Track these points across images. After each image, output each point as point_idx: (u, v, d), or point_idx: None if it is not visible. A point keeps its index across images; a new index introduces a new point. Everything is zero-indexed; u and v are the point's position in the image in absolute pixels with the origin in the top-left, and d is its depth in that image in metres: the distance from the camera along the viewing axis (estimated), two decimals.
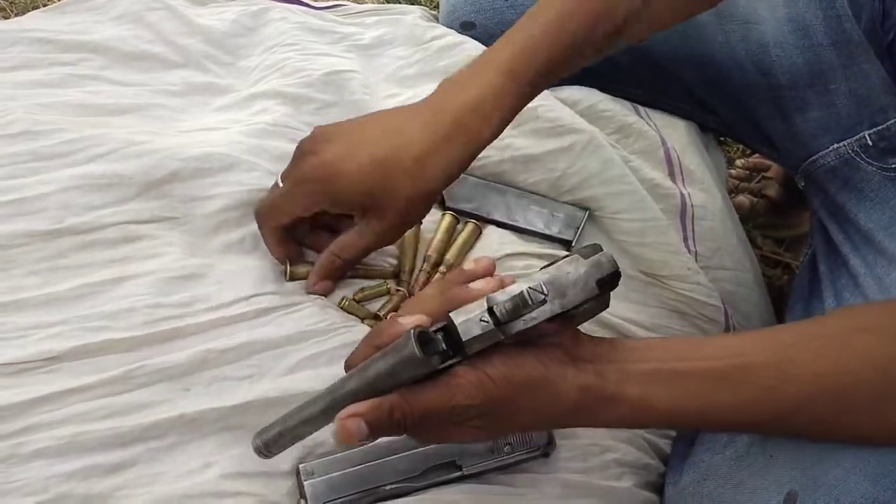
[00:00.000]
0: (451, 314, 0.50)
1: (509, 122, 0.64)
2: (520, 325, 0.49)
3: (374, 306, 0.70)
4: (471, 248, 0.75)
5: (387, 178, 0.63)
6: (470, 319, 0.49)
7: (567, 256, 0.52)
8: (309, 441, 0.61)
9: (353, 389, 0.51)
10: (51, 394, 0.58)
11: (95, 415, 0.58)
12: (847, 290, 0.73)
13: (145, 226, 0.66)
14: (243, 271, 0.66)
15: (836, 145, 0.78)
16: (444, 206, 0.76)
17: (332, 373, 0.62)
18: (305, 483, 0.59)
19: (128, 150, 0.67)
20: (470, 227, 0.75)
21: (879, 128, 0.76)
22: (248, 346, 0.62)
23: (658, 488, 0.69)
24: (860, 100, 0.77)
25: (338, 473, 0.60)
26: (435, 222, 0.75)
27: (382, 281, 0.71)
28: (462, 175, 0.77)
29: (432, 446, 0.62)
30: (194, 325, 0.62)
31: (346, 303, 0.69)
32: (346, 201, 0.64)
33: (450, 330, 0.50)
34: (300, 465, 0.60)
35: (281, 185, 0.65)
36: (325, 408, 0.51)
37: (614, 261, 0.51)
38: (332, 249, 0.66)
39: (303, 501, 0.59)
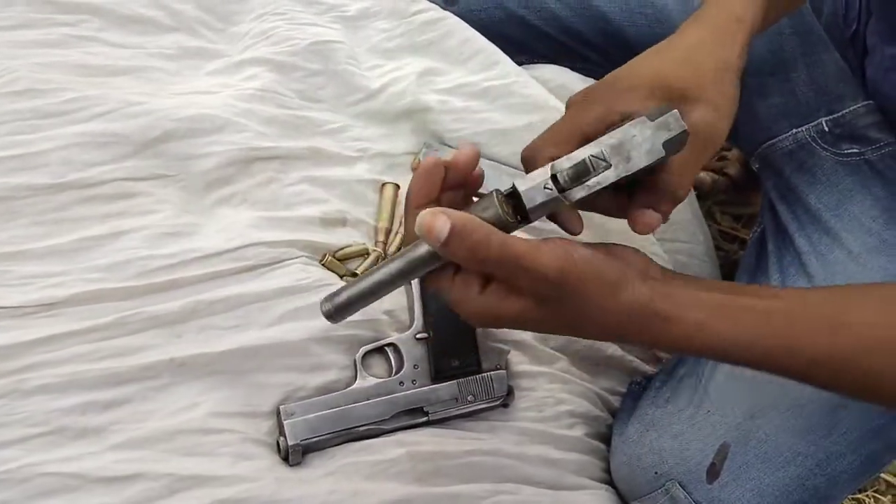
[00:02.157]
0: (515, 182, 0.50)
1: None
2: (583, 191, 0.49)
3: (353, 265, 0.75)
4: None
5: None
6: (534, 187, 0.49)
7: (635, 119, 0.51)
8: (289, 385, 0.67)
9: (431, 251, 0.49)
10: (51, 335, 0.63)
11: (93, 356, 0.63)
12: (792, 266, 0.79)
13: (141, 183, 0.70)
14: (233, 227, 0.71)
15: (794, 130, 0.82)
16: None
17: (314, 325, 0.68)
18: (285, 422, 0.64)
19: (126, 110, 0.71)
20: None
21: (836, 115, 0.81)
22: (236, 299, 0.67)
23: (606, 438, 0.76)
24: (819, 88, 0.81)
25: (315, 415, 0.66)
26: None
27: (362, 242, 0.76)
28: (438, 145, 0.83)
29: (402, 394, 0.68)
30: (185, 277, 0.67)
31: (329, 259, 0.74)
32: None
33: (516, 196, 0.50)
34: (280, 406, 0.65)
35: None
36: (401, 270, 0.50)
37: (681, 120, 0.50)
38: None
39: (282, 439, 0.64)
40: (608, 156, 0.49)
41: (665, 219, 0.59)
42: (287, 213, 0.74)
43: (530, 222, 0.51)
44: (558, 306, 0.51)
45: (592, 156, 0.49)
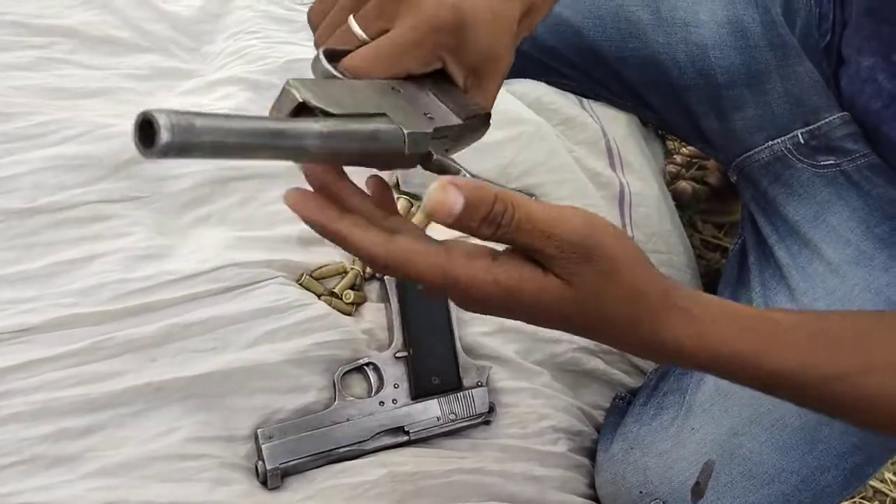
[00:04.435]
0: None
1: None
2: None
3: (330, 283, 0.74)
4: (423, 230, 0.80)
5: (500, 33, 0.51)
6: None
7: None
8: (267, 408, 0.66)
9: (326, 129, 0.40)
10: (24, 362, 0.62)
11: (66, 382, 0.62)
12: (774, 279, 0.79)
13: (114, 205, 0.70)
14: (208, 248, 0.70)
15: (770, 142, 0.82)
16: (399, 191, 0.81)
17: (291, 346, 0.67)
18: (263, 446, 0.64)
19: (97, 132, 0.71)
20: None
21: (811, 127, 0.80)
22: (212, 321, 0.67)
23: (590, 453, 0.75)
24: (794, 100, 0.81)
25: (294, 437, 0.65)
26: None
27: (339, 260, 0.76)
28: None
29: (383, 414, 0.68)
30: (160, 300, 0.66)
31: (306, 279, 0.73)
32: (471, 57, 0.51)
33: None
34: (258, 430, 0.64)
35: (360, 32, 0.49)
36: (275, 130, 0.39)
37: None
38: None
39: (260, 463, 0.64)
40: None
41: None
42: (264, 233, 0.73)
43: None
44: (583, 282, 0.44)
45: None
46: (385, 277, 0.75)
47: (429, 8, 0.48)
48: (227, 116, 0.37)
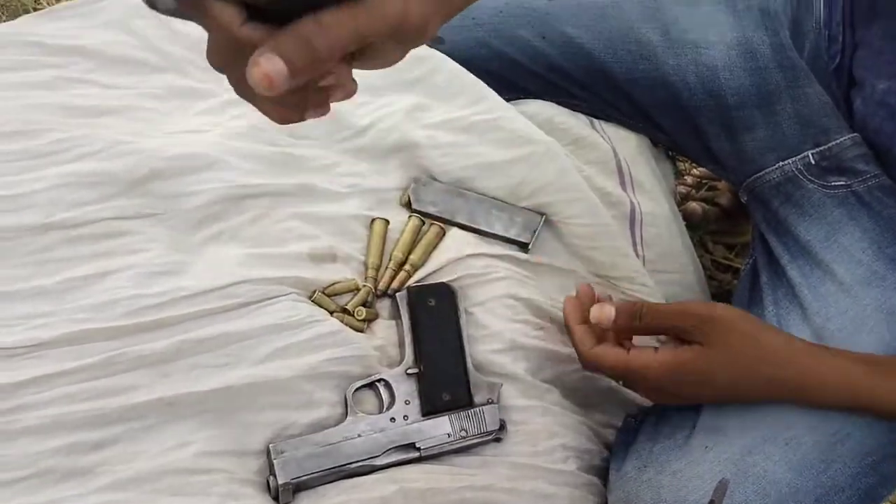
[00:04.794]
0: None
1: None
2: None
3: (342, 300, 0.75)
4: (434, 248, 0.80)
5: None
6: None
7: None
8: (279, 423, 0.66)
9: None
10: (38, 377, 0.62)
11: (79, 397, 0.63)
12: (786, 299, 0.79)
13: (129, 221, 0.71)
14: (221, 264, 0.71)
15: (780, 163, 0.83)
16: (410, 209, 0.81)
17: (304, 362, 0.68)
18: (275, 461, 0.64)
19: (114, 149, 0.71)
20: (434, 228, 0.81)
21: (822, 148, 0.81)
22: (225, 337, 0.67)
23: (600, 472, 0.75)
24: (804, 121, 0.82)
25: (306, 452, 0.65)
26: (402, 223, 0.80)
27: (351, 277, 0.76)
28: (427, 179, 0.83)
29: (394, 430, 0.68)
30: (173, 316, 0.67)
31: (318, 295, 0.74)
32: None
33: None
34: (270, 445, 0.65)
35: None
36: None
37: None
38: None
39: (272, 478, 0.64)
40: None
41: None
42: (277, 250, 0.74)
43: None
44: (721, 341, 0.66)
45: None
46: (397, 294, 0.76)
47: None
48: None
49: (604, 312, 0.70)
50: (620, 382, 0.73)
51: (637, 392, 0.73)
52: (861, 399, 0.68)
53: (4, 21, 0.95)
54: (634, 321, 0.69)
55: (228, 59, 0.41)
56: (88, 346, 0.64)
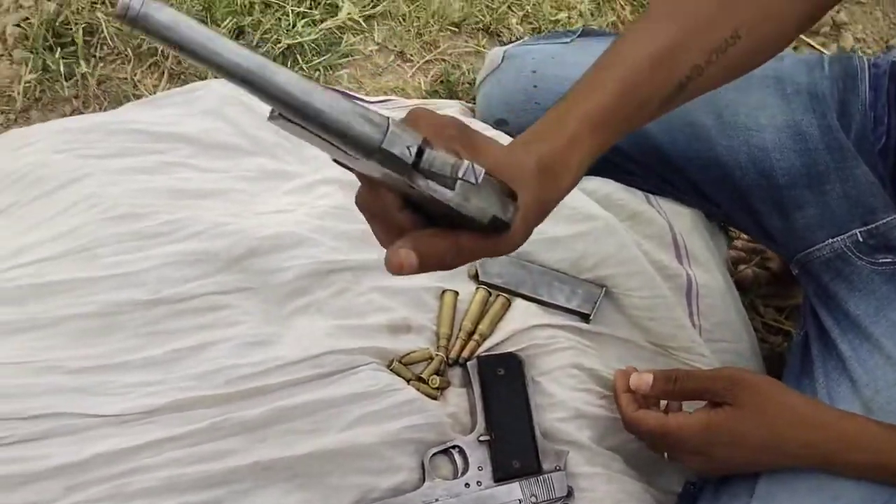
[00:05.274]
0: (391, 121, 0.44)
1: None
2: (421, 181, 0.45)
3: (417, 369, 0.80)
4: (500, 318, 0.86)
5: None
6: (402, 138, 0.43)
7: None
8: (363, 487, 0.71)
9: (287, 85, 0.40)
10: (150, 442, 0.69)
11: (186, 460, 0.69)
12: (836, 371, 0.82)
13: (227, 296, 0.77)
14: (310, 335, 0.77)
15: (830, 240, 0.87)
16: (478, 281, 0.87)
17: (384, 429, 0.73)
18: None
19: (214, 230, 0.79)
20: (500, 300, 0.86)
21: (870, 227, 0.85)
22: (314, 404, 0.73)
23: None
24: (852, 200, 0.86)
25: None
26: (470, 294, 0.86)
27: (426, 347, 0.82)
28: None
29: (468, 495, 0.72)
30: (269, 385, 0.73)
31: (395, 365, 0.79)
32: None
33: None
34: None
35: None
36: (247, 68, 0.39)
37: (513, 213, 0.49)
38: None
39: None
40: (458, 184, 0.45)
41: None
42: (358, 322, 0.80)
43: (379, 160, 0.44)
44: (751, 403, 0.71)
45: (456, 171, 0.45)
46: (468, 363, 0.81)
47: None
48: (196, 26, 0.38)
49: (642, 378, 0.77)
50: (665, 456, 0.77)
51: (678, 459, 0.77)
52: (892, 464, 0.70)
53: (108, 108, 1.05)
54: (669, 385, 0.76)
55: (374, 209, 0.52)
56: (194, 412, 0.71)
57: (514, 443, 0.76)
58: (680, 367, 0.85)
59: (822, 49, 1.59)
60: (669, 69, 0.62)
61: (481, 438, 0.76)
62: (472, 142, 0.51)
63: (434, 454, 0.74)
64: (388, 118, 0.43)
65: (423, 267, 0.48)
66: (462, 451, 0.75)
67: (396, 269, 0.47)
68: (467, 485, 0.73)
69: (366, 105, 0.43)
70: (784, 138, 0.88)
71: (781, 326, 1.24)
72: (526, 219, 0.52)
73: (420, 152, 0.44)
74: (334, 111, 0.41)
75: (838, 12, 1.62)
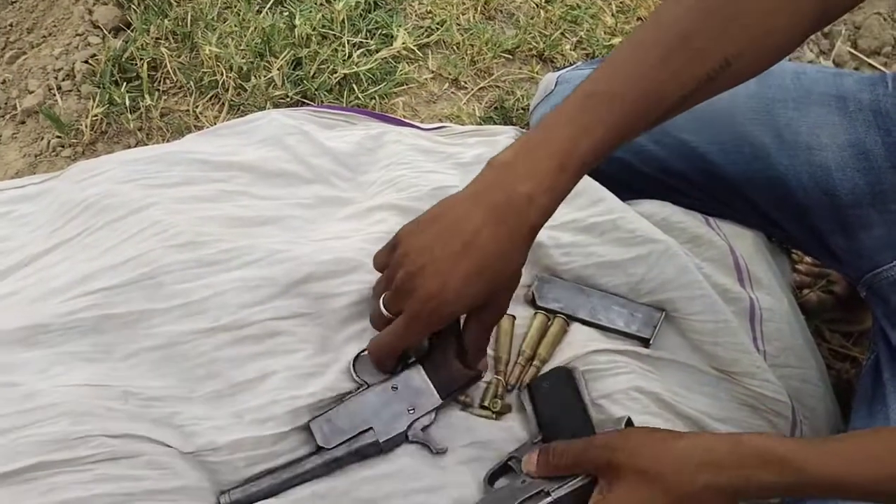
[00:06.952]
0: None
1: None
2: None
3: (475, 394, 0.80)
4: (559, 343, 0.85)
5: (488, 283, 0.70)
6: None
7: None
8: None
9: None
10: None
11: None
12: None
13: (285, 322, 0.78)
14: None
15: None
16: (535, 306, 0.86)
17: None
18: None
19: (272, 257, 0.80)
20: (559, 324, 0.85)
21: None
22: None
23: None
24: None
25: None
26: (528, 318, 0.85)
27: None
28: (550, 277, 0.88)
29: None
30: None
31: None
32: (458, 316, 0.73)
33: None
34: None
35: (385, 311, 0.72)
36: None
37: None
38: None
39: None
40: None
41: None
42: None
43: None
44: (641, 467, 0.65)
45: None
46: (518, 387, 0.81)
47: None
48: None
49: (530, 459, 0.72)
50: None
51: None
52: (791, 470, 0.62)
53: (170, 139, 1.08)
54: (548, 461, 0.71)
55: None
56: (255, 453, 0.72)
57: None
58: (761, 395, 0.84)
59: (883, 69, 1.56)
60: (657, 101, 0.67)
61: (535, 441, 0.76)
62: None
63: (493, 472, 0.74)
64: None
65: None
66: (518, 461, 0.74)
67: None
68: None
69: None
70: (847, 157, 0.86)
71: (848, 352, 1.20)
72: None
73: None
74: None
75: None
